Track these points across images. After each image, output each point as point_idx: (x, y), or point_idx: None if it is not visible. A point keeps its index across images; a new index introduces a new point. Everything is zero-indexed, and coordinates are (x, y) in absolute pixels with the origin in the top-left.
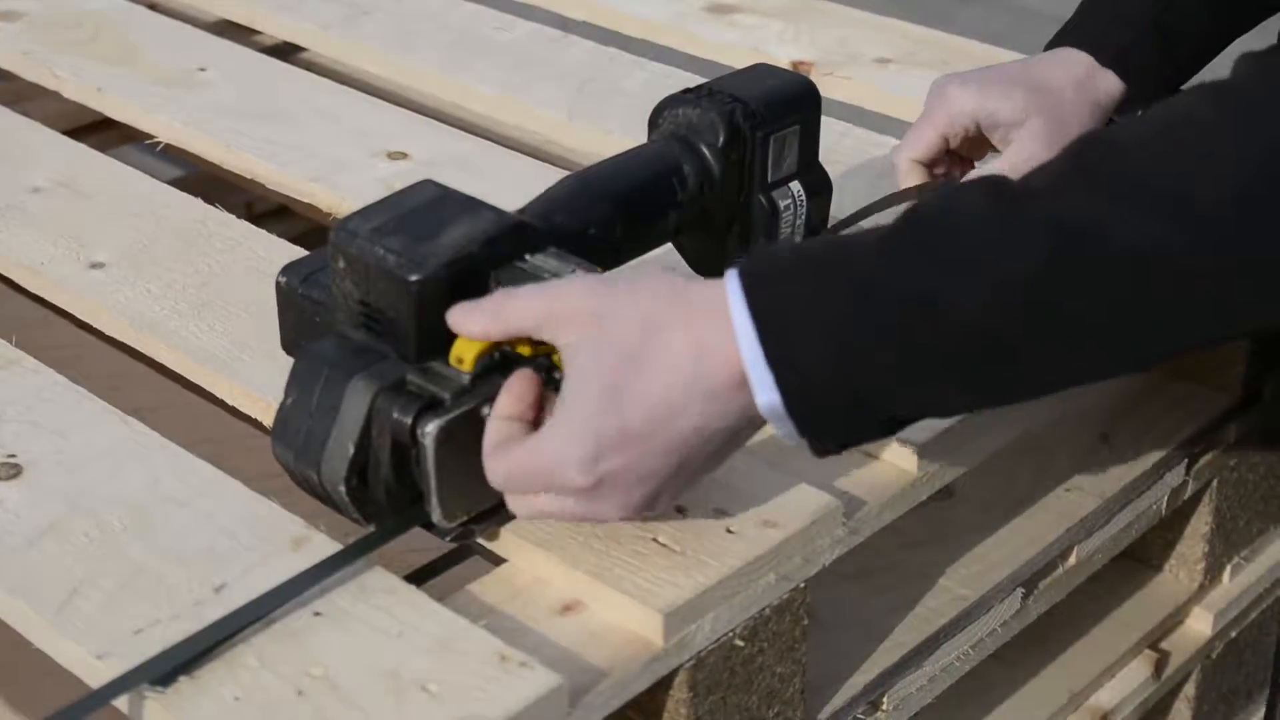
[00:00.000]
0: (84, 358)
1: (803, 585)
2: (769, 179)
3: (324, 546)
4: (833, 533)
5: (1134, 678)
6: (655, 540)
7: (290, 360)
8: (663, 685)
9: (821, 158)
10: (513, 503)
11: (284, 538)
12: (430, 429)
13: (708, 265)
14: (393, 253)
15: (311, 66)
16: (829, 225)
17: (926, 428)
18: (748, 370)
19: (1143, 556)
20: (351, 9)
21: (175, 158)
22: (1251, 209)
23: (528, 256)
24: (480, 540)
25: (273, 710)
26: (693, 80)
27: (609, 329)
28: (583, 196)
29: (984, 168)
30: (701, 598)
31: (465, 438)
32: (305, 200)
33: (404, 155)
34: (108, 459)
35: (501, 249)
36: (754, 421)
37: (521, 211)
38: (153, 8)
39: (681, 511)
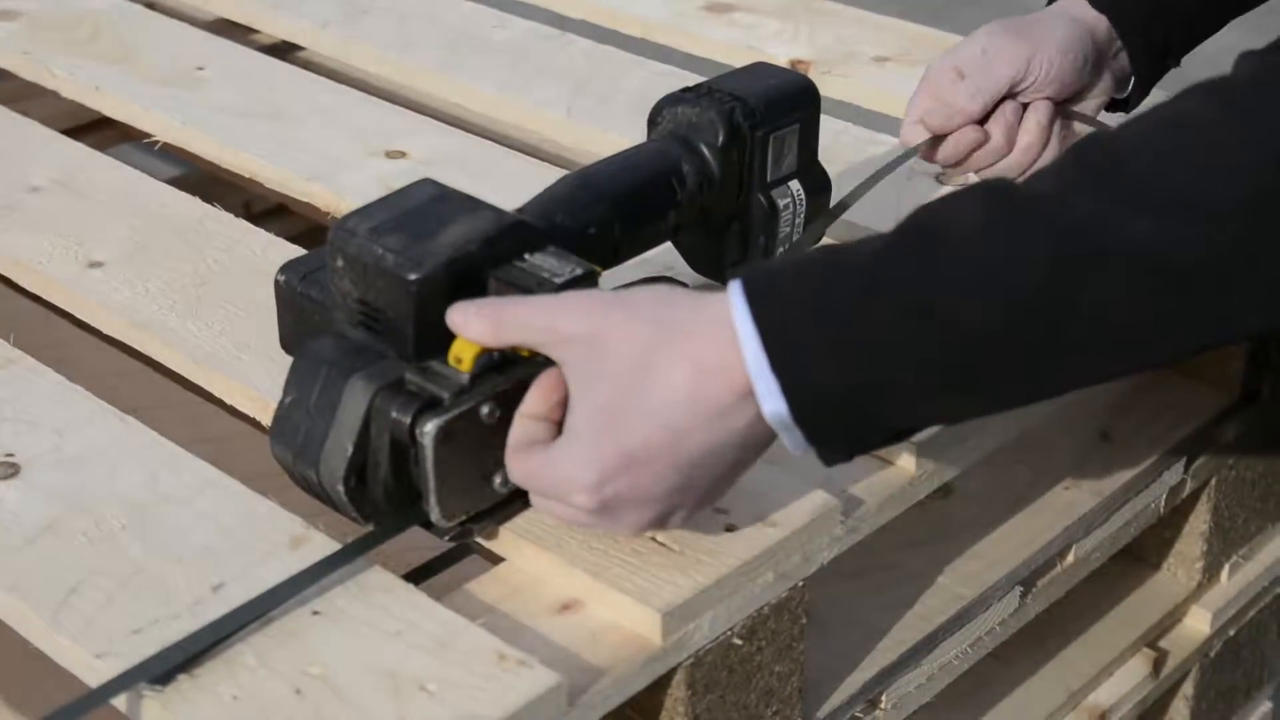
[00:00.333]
0: (82, 356)
1: (801, 584)
2: (768, 178)
3: (323, 546)
4: (831, 531)
5: (1132, 676)
6: (653, 539)
7: (289, 359)
8: (661, 684)
9: (819, 156)
10: (533, 500)
11: (282, 537)
12: (429, 428)
13: (707, 264)
14: (392, 252)
15: (310, 65)
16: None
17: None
18: (753, 380)
19: (1141, 555)
20: (349, 8)
21: (173, 157)
22: (1257, 210)
23: (527, 255)
24: (479, 539)
25: (271, 709)
26: (691, 79)
27: (606, 352)
28: (582, 195)
29: (946, 57)
30: (700, 597)
31: (464, 437)
32: (303, 199)
33: (402, 154)
34: (106, 458)
35: (501, 248)
36: (762, 435)
37: (521, 210)
38: (151, 7)
39: None
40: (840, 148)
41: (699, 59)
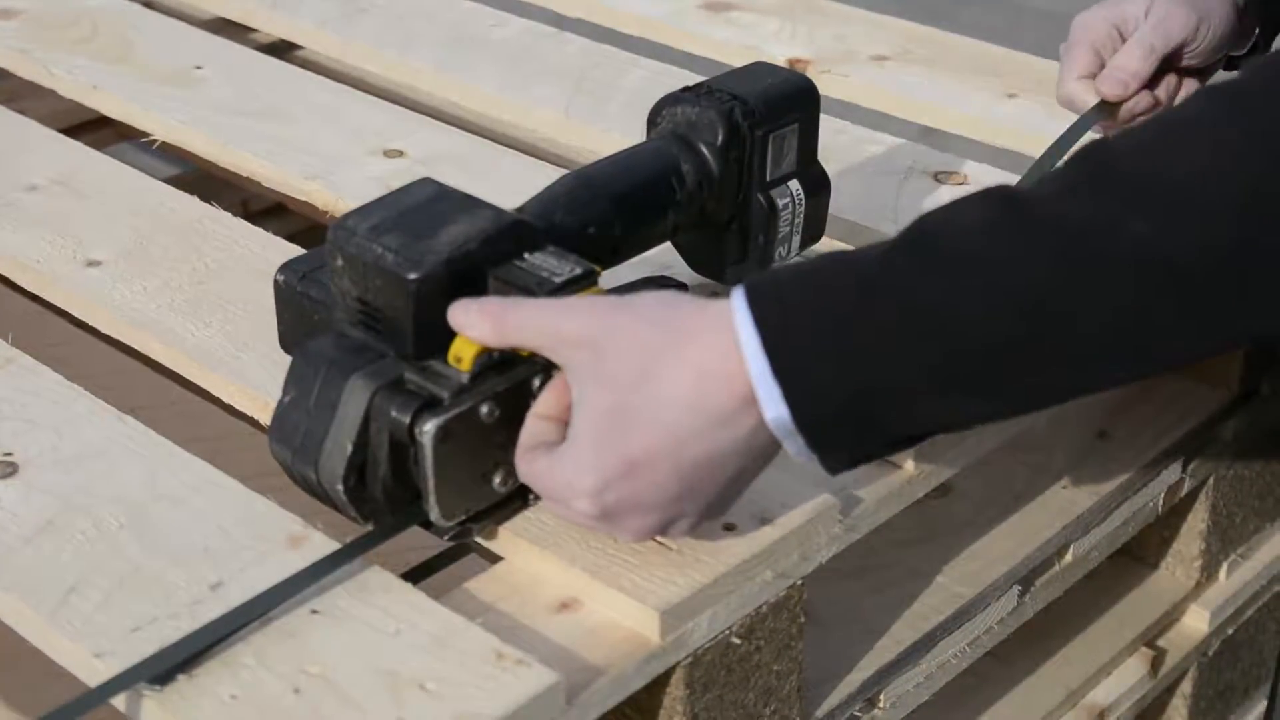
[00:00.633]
0: (80, 355)
1: (799, 583)
2: (768, 177)
3: (321, 545)
4: (829, 530)
5: (1130, 675)
6: (653, 540)
7: (287, 358)
8: (659, 683)
9: (819, 156)
10: (543, 498)
11: (281, 536)
12: (429, 428)
13: (706, 264)
14: (391, 251)
15: (307, 64)
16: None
17: None
18: (755, 385)
19: (1139, 554)
20: (347, 7)
21: (171, 156)
22: (1257, 212)
23: (526, 255)
24: (478, 538)
25: (270, 709)
26: (689, 78)
27: (609, 357)
28: (581, 195)
29: (1135, 36)
30: (698, 595)
31: (463, 436)
32: (301, 198)
33: (400, 153)
34: (104, 457)
35: (500, 247)
36: (765, 443)
37: (520, 210)
38: (149, 6)
39: None
40: (839, 147)
41: (697, 58)
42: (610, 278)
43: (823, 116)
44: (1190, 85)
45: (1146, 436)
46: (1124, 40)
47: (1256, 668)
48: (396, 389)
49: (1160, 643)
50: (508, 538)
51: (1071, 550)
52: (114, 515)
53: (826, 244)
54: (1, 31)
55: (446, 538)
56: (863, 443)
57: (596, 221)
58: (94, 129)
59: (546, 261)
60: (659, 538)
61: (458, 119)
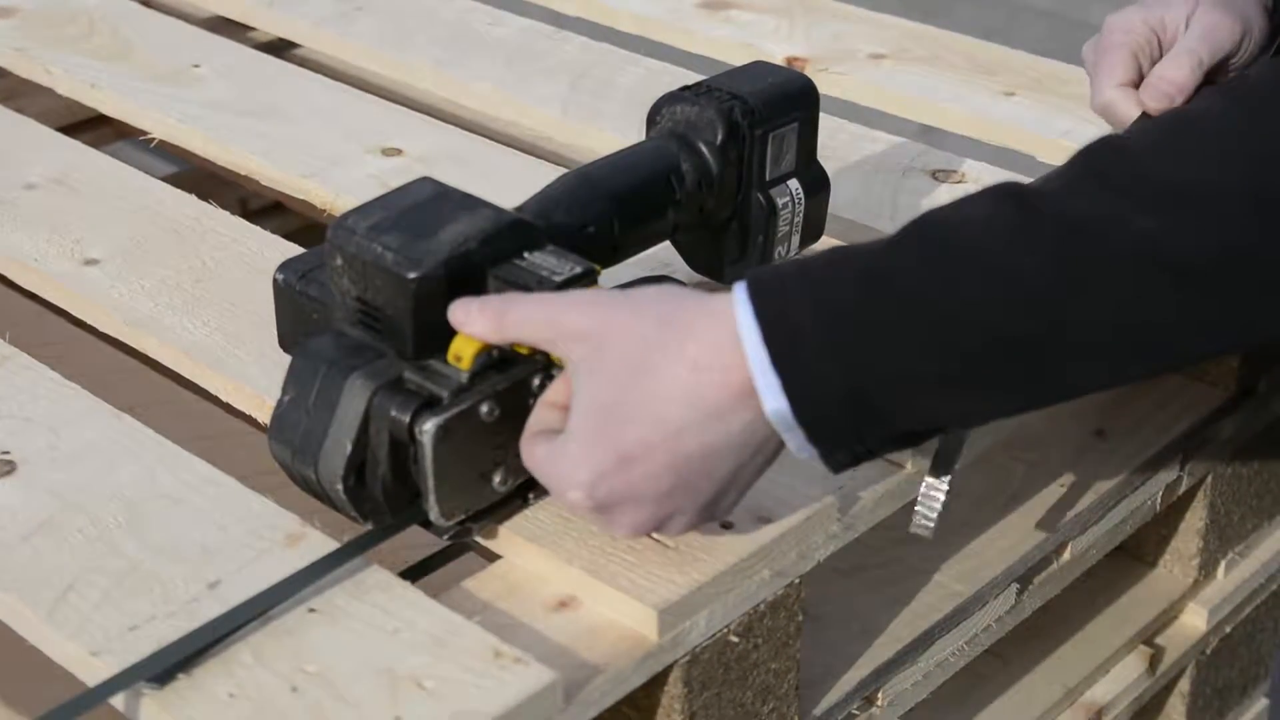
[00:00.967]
0: (78, 354)
1: (797, 581)
2: (767, 177)
3: (319, 543)
4: (827, 528)
5: (1128, 673)
6: (649, 536)
7: (286, 357)
8: (657, 681)
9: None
10: None
11: (279, 534)
12: (428, 427)
13: (705, 263)
14: (391, 250)
15: (305, 63)
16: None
17: None
18: (755, 377)
19: (1137, 552)
20: (345, 5)
21: (169, 154)
22: (1260, 209)
23: (526, 254)
24: (476, 537)
25: (268, 707)
26: (688, 77)
27: (608, 350)
28: (581, 194)
29: (1180, 45)
30: (696, 594)
31: (463, 435)
32: (300, 197)
33: (398, 152)
34: (102, 455)
35: (500, 247)
36: (762, 439)
37: (519, 209)
38: (147, 4)
39: None
40: (837, 145)
41: (696, 56)
42: (610, 276)
43: (821, 115)
44: None
45: (1144, 435)
46: (1162, 47)
47: (1254, 666)
48: (396, 388)
49: (1158, 641)
50: (506, 536)
51: (1069, 548)
52: (112, 514)
53: (826, 243)
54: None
55: (446, 537)
56: (863, 438)
57: (596, 220)
58: (92, 127)
59: (546, 260)
60: (655, 535)
61: (456, 117)
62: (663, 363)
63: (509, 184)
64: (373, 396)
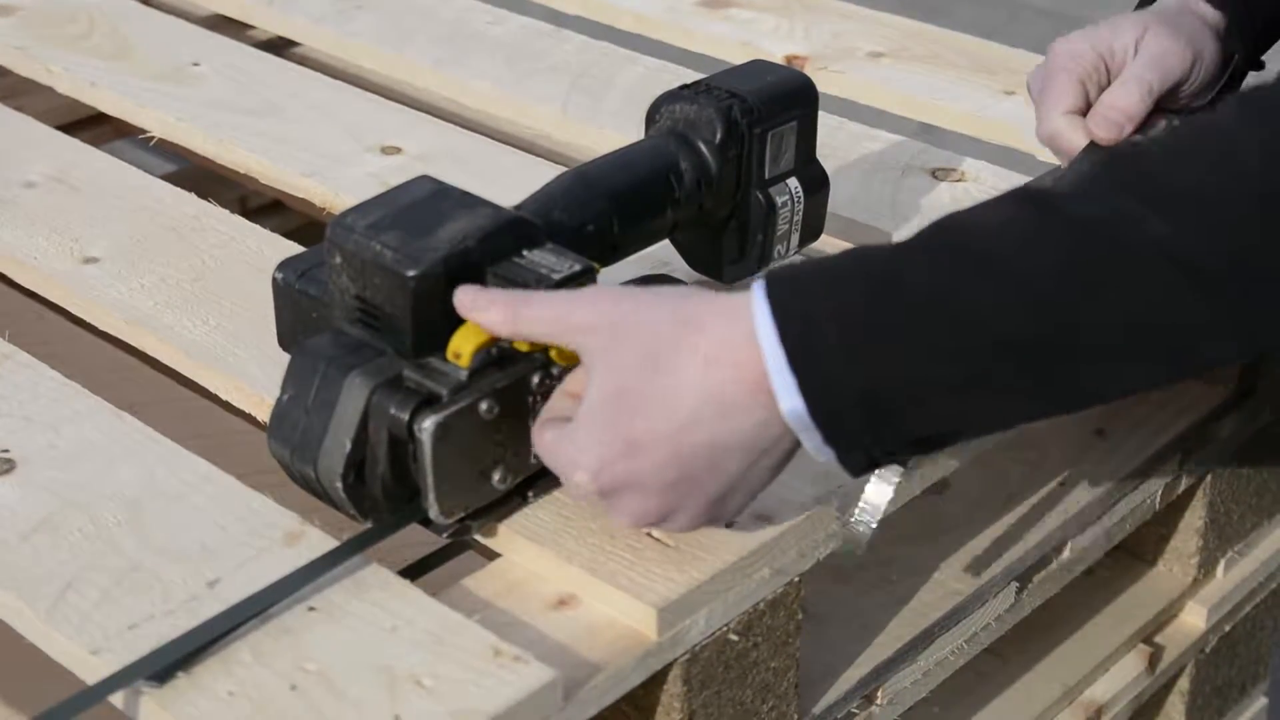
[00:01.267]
0: (77, 353)
1: (797, 580)
2: (766, 175)
3: (318, 542)
4: (827, 527)
5: (1128, 672)
6: (649, 535)
7: (285, 355)
8: (657, 680)
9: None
10: None
11: (278, 533)
12: (427, 425)
13: (704, 262)
14: (390, 248)
15: (305, 61)
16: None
17: None
18: (771, 376)
19: (1137, 551)
20: (345, 4)
21: (169, 152)
22: (1269, 214)
23: (525, 252)
24: (475, 535)
25: (267, 705)
26: (687, 75)
27: (623, 340)
28: (580, 193)
29: (1129, 72)
30: (695, 592)
31: (462, 433)
32: (299, 195)
33: (397, 150)
34: (101, 454)
35: (499, 245)
36: (773, 439)
37: (518, 207)
38: (146, 2)
39: None
40: (836, 144)
41: (695, 55)
42: (609, 275)
43: (821, 114)
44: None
45: (1144, 434)
46: (1110, 74)
47: (1254, 664)
48: (395, 386)
49: (1158, 639)
50: (505, 534)
51: (1069, 547)
52: (111, 512)
53: (825, 241)
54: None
55: (446, 535)
56: (880, 439)
57: (595, 219)
58: (91, 126)
59: (545, 259)
60: (656, 534)
61: (455, 116)
62: (676, 355)
63: (508, 182)
64: (372, 394)
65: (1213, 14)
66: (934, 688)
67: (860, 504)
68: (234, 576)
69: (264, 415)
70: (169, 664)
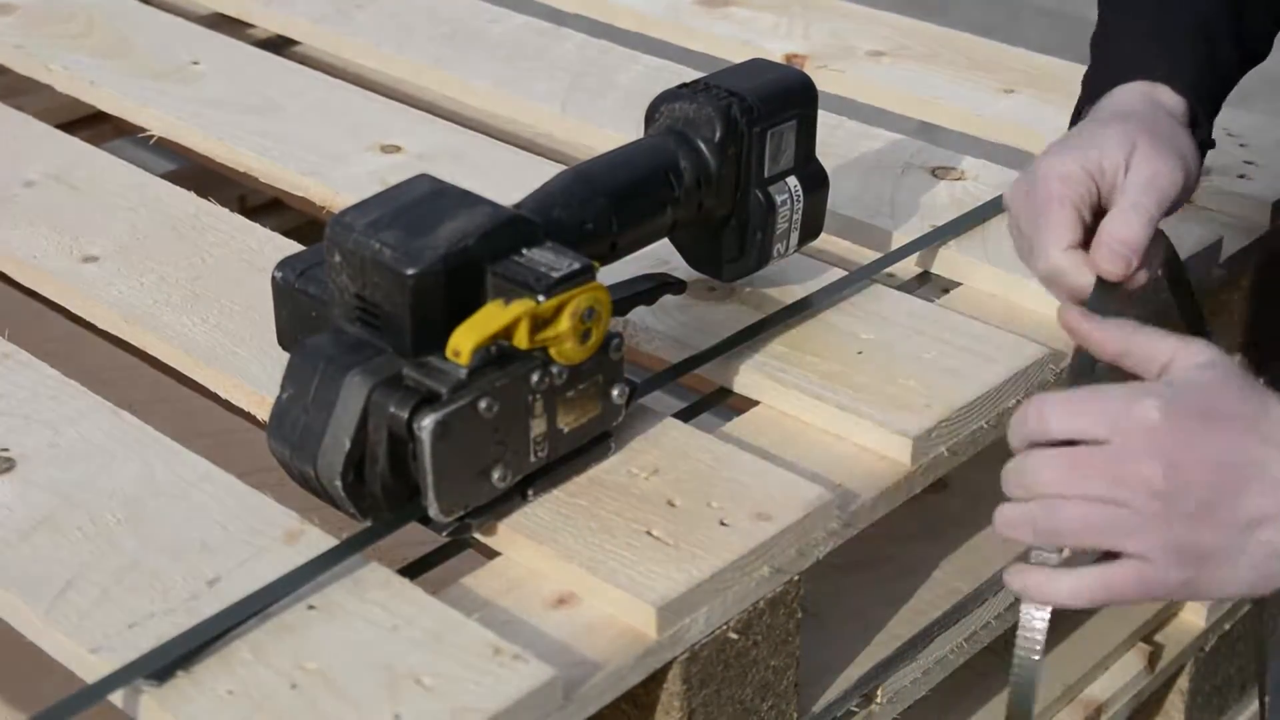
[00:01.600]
0: (77, 351)
1: (797, 578)
2: (765, 174)
3: (318, 540)
4: (827, 525)
5: (1127, 670)
6: (649, 533)
7: (285, 354)
8: (656, 678)
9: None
10: (1025, 471)
11: (278, 531)
12: (427, 423)
13: (704, 261)
14: (389, 247)
15: (304, 60)
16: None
17: (920, 419)
18: None
19: None
20: (344, 2)
21: (168, 151)
22: None
23: (524, 250)
24: (475, 534)
25: (266, 704)
26: (686, 74)
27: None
28: (579, 191)
29: (1127, 199)
30: (695, 591)
31: (462, 432)
32: (298, 194)
33: (397, 149)
34: (101, 453)
35: (498, 243)
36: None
37: (518, 206)
38: (145, 1)
39: (674, 504)
40: (835, 142)
41: (694, 53)
42: (608, 274)
43: (820, 112)
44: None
45: None
46: (1100, 193)
47: (1253, 663)
48: (394, 385)
49: (1157, 638)
50: (505, 533)
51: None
52: (111, 511)
53: (825, 240)
54: None
55: (445, 534)
56: None
57: (594, 218)
58: (91, 124)
59: (544, 257)
60: (654, 533)
61: (455, 114)
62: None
63: (507, 181)
64: (371, 393)
65: (1177, 103)
66: (933, 686)
67: (1021, 634)
68: (234, 575)
69: (263, 414)
70: (169, 662)
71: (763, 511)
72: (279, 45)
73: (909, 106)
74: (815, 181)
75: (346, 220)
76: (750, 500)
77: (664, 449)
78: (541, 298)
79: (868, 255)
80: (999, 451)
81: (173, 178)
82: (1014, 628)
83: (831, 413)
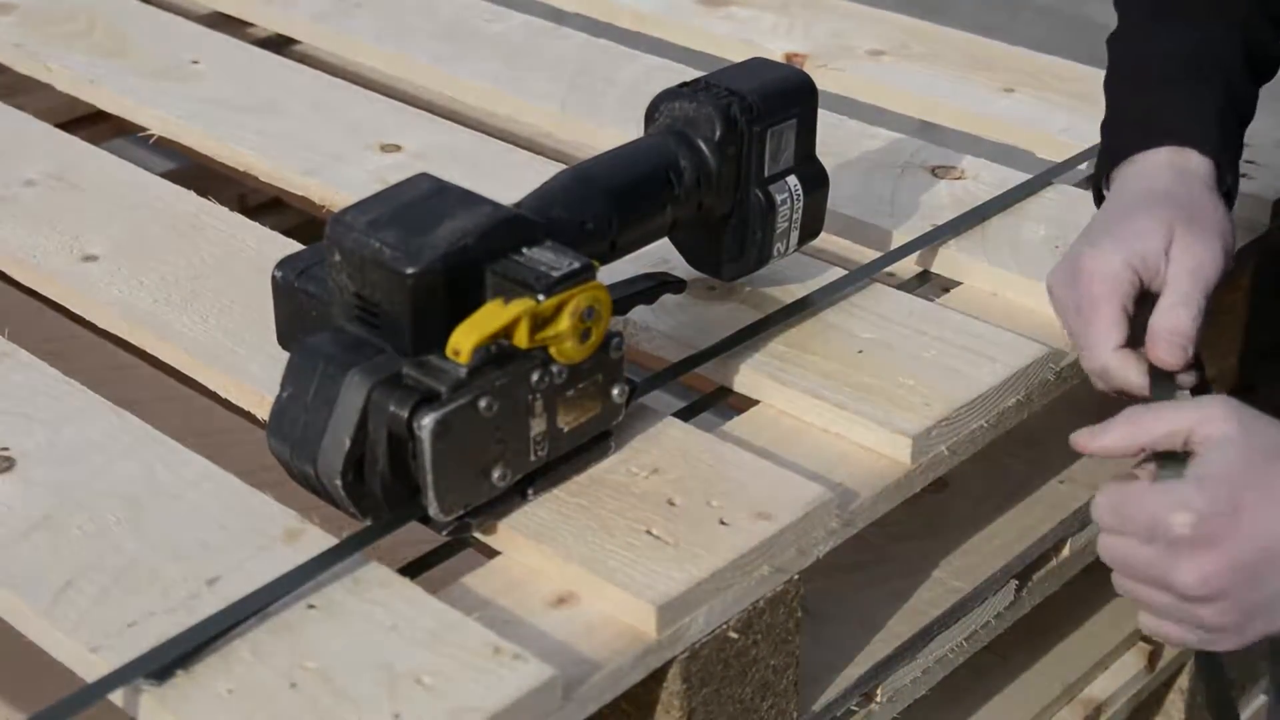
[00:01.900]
0: (77, 350)
1: (796, 577)
2: (765, 173)
3: (318, 539)
4: (827, 525)
5: (1127, 670)
6: (649, 532)
7: (285, 353)
8: (656, 678)
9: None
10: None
11: (278, 531)
12: (427, 422)
13: (704, 260)
14: (388, 246)
15: (304, 59)
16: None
17: (920, 418)
18: None
19: None
20: (344, 1)
21: (168, 150)
22: None
23: (524, 250)
24: (475, 533)
25: (266, 703)
26: (687, 73)
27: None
28: (579, 190)
29: (1175, 292)
30: (695, 590)
31: (462, 431)
32: (298, 193)
33: (397, 148)
34: (101, 452)
35: (497, 242)
36: None
37: (518, 205)
38: (145, 0)
39: (674, 504)
40: (835, 141)
41: (694, 53)
42: (608, 273)
43: (820, 111)
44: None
45: None
46: (1144, 282)
47: (1253, 663)
48: (394, 384)
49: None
50: (505, 532)
51: (1068, 545)
52: (111, 510)
53: (825, 239)
54: None
55: (445, 533)
56: None
57: (594, 217)
58: (90, 123)
59: (544, 256)
60: (654, 532)
61: (455, 113)
62: None
63: (507, 180)
64: (371, 392)
65: (1205, 167)
66: (933, 685)
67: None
68: (233, 574)
69: (263, 413)
70: (168, 662)
71: (763, 510)
72: (279, 44)
73: (909, 105)
74: (815, 181)
75: (346, 219)
76: (750, 499)
77: (664, 448)
78: (541, 297)
79: (868, 254)
80: (998, 451)
81: (173, 177)
82: (1015, 627)
83: (831, 412)
